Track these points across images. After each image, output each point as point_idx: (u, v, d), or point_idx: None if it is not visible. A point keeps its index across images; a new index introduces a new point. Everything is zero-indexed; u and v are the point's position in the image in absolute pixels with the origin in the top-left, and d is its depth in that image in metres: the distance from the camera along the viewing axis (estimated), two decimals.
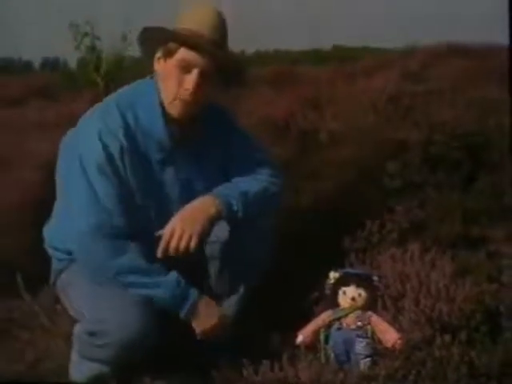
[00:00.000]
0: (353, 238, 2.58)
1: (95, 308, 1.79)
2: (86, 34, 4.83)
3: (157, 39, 1.85)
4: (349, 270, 2.10)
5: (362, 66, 7.90)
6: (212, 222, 1.86)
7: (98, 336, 1.76)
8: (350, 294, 1.98)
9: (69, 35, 4.98)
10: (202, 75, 1.80)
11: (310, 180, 3.08)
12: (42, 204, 1.98)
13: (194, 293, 1.81)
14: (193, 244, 1.81)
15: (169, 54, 1.83)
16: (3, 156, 3.17)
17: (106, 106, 1.87)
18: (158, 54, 1.86)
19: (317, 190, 2.98)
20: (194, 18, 1.84)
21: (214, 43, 1.80)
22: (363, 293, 1.98)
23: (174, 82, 1.81)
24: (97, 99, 2.05)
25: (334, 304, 2.01)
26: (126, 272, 1.78)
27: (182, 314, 1.81)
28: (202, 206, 1.86)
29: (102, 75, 4.74)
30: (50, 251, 1.95)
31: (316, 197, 2.92)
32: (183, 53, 1.80)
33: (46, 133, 3.41)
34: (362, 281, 2.00)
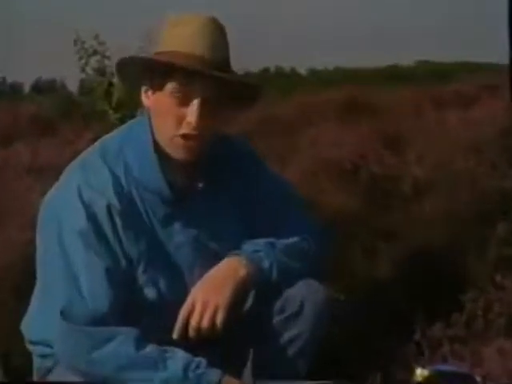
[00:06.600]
0: (446, 322, 2.57)
1: None
2: (95, 53, 4.95)
3: (140, 71, 1.90)
4: (441, 366, 2.09)
5: (457, 89, 7.93)
6: (242, 288, 1.91)
7: None
8: None
9: (70, 51, 5.12)
10: (205, 104, 1.84)
11: (385, 241, 3.10)
12: (30, 271, 2.03)
13: (213, 375, 1.83)
14: (219, 319, 1.85)
15: (157, 87, 1.87)
16: None
17: (88, 157, 1.92)
18: (145, 87, 1.91)
19: (395, 254, 3.00)
20: (183, 36, 1.87)
21: (215, 64, 1.84)
22: None
23: (170, 118, 1.86)
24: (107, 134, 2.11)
25: None
26: (114, 366, 1.80)
27: None
28: (227, 269, 1.91)
29: (113, 104, 4.82)
30: (31, 348, 1.98)
31: (394, 263, 2.94)
32: (176, 82, 1.84)
33: (40, 179, 3.52)
34: (459, 381, 1.99)
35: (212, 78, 1.83)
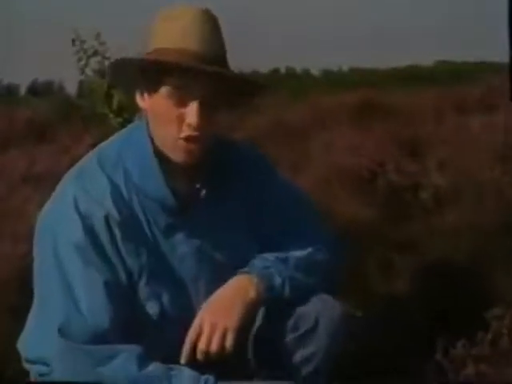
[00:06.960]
0: (469, 340, 2.56)
1: None
2: (95, 53, 4.95)
3: (133, 72, 1.89)
4: None
5: (479, 92, 7.90)
6: (253, 309, 1.92)
7: None
8: None
9: (69, 52, 5.13)
10: (203, 103, 1.85)
11: (404, 254, 3.09)
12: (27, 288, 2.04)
13: None
14: (229, 342, 1.86)
15: (152, 88, 1.88)
16: None
17: (85, 164, 1.93)
18: (140, 89, 1.91)
19: (415, 267, 2.99)
20: (175, 31, 1.87)
21: (209, 59, 1.84)
22: None
23: (168, 120, 1.86)
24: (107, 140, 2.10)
25: None
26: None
27: None
28: (236, 289, 1.92)
29: (113, 108, 4.83)
30: (27, 367, 1.99)
31: (414, 277, 2.93)
32: (171, 82, 1.84)
33: (37, 189, 3.53)
34: None
35: (207, 74, 1.82)
